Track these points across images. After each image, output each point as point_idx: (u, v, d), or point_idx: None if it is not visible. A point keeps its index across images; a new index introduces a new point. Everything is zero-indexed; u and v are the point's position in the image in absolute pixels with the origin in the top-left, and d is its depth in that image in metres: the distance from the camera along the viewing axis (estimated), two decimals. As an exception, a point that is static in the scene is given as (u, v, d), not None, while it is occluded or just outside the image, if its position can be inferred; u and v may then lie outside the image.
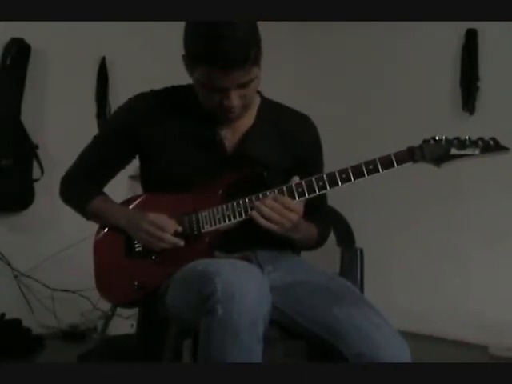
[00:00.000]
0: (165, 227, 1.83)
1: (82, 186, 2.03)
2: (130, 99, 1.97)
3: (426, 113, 4.08)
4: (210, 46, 1.69)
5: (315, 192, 1.77)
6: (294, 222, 1.77)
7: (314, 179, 1.77)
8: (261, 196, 1.79)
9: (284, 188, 1.78)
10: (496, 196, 3.85)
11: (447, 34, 4.02)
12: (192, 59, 1.76)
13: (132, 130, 1.93)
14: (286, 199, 1.76)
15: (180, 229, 1.85)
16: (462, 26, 3.93)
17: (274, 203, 1.76)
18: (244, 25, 1.72)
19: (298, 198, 1.78)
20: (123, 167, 2.04)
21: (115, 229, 1.94)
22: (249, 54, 1.71)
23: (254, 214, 1.77)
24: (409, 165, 1.76)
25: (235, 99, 1.79)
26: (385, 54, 4.40)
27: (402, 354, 1.67)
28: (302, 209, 1.79)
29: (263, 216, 1.76)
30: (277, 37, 4.37)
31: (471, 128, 3.75)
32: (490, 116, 3.82)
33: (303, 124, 2.01)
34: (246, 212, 1.80)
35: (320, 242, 2.02)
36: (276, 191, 1.78)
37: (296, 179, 1.80)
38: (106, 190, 2.07)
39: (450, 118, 4.02)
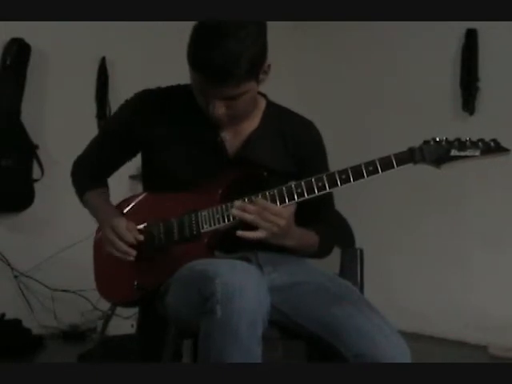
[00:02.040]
0: (123, 235, 1.83)
1: (85, 175, 2.07)
2: (135, 95, 1.97)
3: (426, 113, 4.08)
4: (200, 55, 1.70)
5: (314, 193, 1.76)
6: (282, 226, 1.75)
7: (313, 179, 1.76)
8: (253, 198, 1.77)
9: (283, 189, 1.78)
10: (497, 196, 3.85)
11: (447, 34, 4.02)
12: (188, 61, 1.77)
13: (134, 129, 1.93)
14: (268, 203, 1.74)
15: (141, 238, 1.84)
16: (462, 26, 3.93)
17: (256, 208, 1.73)
18: (243, 36, 1.69)
19: (298, 198, 1.77)
20: (128, 160, 2.05)
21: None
22: (238, 71, 1.69)
23: (240, 232, 1.74)
24: (409, 166, 1.75)
25: (219, 109, 1.78)
26: (384, 53, 4.39)
27: (402, 354, 1.67)
28: (288, 213, 1.76)
29: (247, 222, 1.73)
30: (277, 37, 4.37)
31: (471, 128, 3.75)
32: (490, 116, 3.82)
33: (306, 129, 2.00)
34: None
35: (325, 250, 1.98)
36: (276, 192, 1.78)
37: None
38: (107, 189, 2.08)
39: (450, 118, 4.02)
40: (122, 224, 1.84)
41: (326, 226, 1.98)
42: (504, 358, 3.54)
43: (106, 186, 2.08)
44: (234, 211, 1.76)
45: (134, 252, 1.83)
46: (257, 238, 1.75)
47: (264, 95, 1.97)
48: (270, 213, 1.73)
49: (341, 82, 4.61)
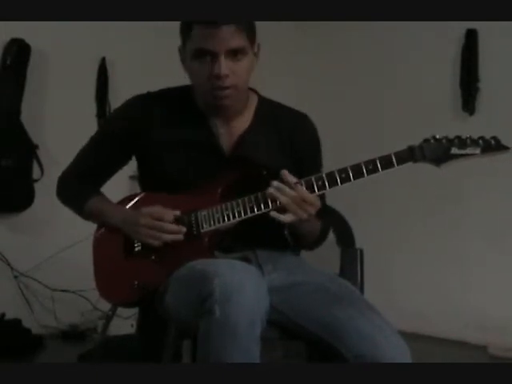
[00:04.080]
0: (163, 216, 1.83)
1: (79, 187, 2.03)
2: (126, 101, 1.97)
3: (426, 113, 4.08)
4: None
5: (314, 192, 1.76)
6: (311, 214, 1.75)
7: (313, 178, 1.76)
8: (279, 184, 1.75)
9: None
10: (497, 195, 3.85)
11: (447, 34, 4.02)
12: (185, 29, 1.81)
13: (126, 135, 1.93)
14: (305, 191, 1.74)
15: (178, 213, 1.84)
16: (462, 26, 3.93)
17: (293, 193, 1.73)
18: None
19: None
20: (120, 168, 2.04)
21: (113, 228, 1.94)
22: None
23: (274, 213, 1.74)
24: (409, 166, 1.75)
25: (224, 67, 1.78)
26: (384, 53, 4.39)
27: (402, 355, 1.67)
28: (319, 202, 1.77)
29: (282, 204, 1.73)
30: (277, 37, 4.37)
31: (471, 128, 3.72)
32: (490, 116, 3.82)
33: (301, 123, 2.00)
34: (245, 211, 1.80)
35: (320, 240, 1.99)
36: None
37: (285, 172, 1.76)
38: (107, 190, 2.07)
39: (450, 118, 4.01)
40: (157, 208, 1.84)
41: (323, 218, 1.98)
42: (504, 358, 3.54)
43: (102, 194, 2.06)
44: (271, 190, 1.74)
45: (184, 228, 1.83)
46: (287, 221, 1.74)
47: (255, 91, 1.98)
48: (303, 200, 1.73)
49: (341, 82, 4.60)
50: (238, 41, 1.78)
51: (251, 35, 1.82)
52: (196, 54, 1.81)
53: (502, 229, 3.84)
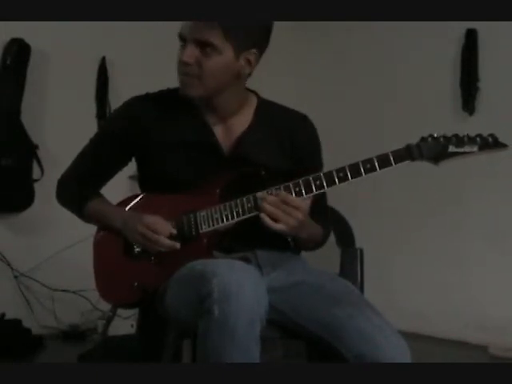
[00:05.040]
0: (159, 231, 1.83)
1: (79, 189, 2.03)
2: (125, 102, 1.97)
3: (426, 113, 4.08)
4: None
5: (313, 191, 1.76)
6: (300, 219, 1.75)
7: (311, 178, 1.76)
8: (262, 193, 1.76)
9: (281, 188, 1.77)
10: (497, 196, 3.85)
11: (447, 34, 4.02)
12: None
13: (127, 135, 1.93)
14: (289, 197, 1.74)
15: (175, 232, 1.84)
16: (462, 26, 3.93)
17: (278, 201, 1.73)
18: None
19: (296, 197, 1.77)
20: (120, 169, 2.04)
21: (113, 230, 1.94)
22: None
23: (262, 215, 1.74)
24: (408, 165, 1.75)
25: (188, 54, 1.80)
26: (384, 54, 4.39)
27: (402, 355, 1.67)
28: (307, 206, 1.76)
29: (267, 214, 1.73)
30: (277, 37, 4.37)
31: (471, 128, 3.72)
32: (490, 116, 3.82)
33: (301, 123, 2.00)
34: (243, 212, 1.80)
35: (322, 242, 2.00)
36: (274, 190, 1.77)
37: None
38: (106, 190, 2.07)
39: (450, 118, 4.01)
40: (157, 219, 1.84)
41: (325, 220, 1.98)
42: (504, 358, 3.54)
43: (102, 195, 2.06)
44: (258, 201, 1.75)
45: (177, 244, 1.82)
46: (277, 229, 1.74)
47: (255, 92, 1.98)
48: (288, 206, 1.72)
49: (340, 82, 4.60)
50: (208, 35, 1.78)
51: (235, 37, 1.79)
52: (180, 40, 1.85)
53: (502, 229, 3.84)
